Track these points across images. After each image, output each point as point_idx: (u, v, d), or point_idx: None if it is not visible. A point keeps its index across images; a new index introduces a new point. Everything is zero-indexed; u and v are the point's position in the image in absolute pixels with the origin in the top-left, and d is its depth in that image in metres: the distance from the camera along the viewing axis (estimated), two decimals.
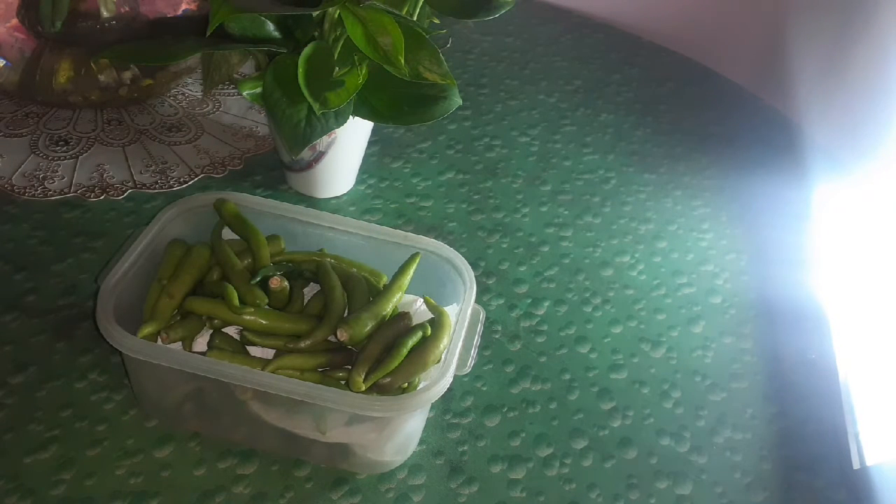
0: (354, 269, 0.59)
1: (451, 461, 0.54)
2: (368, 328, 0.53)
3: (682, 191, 0.83)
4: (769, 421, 0.61)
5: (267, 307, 0.54)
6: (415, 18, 0.64)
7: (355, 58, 0.62)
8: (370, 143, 0.75)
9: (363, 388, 0.50)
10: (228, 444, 0.53)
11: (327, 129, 0.62)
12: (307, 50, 0.59)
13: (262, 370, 0.50)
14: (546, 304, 0.67)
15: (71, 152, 0.75)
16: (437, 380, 0.49)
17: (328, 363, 0.53)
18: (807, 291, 0.72)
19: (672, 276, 0.72)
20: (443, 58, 0.60)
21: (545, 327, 0.65)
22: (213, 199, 0.59)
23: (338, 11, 0.59)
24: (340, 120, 0.62)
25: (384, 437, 0.51)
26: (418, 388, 0.52)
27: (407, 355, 0.52)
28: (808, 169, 0.87)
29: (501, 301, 0.67)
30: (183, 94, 0.85)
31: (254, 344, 0.53)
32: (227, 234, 0.59)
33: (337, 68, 0.61)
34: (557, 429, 0.58)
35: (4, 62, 0.78)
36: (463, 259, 0.58)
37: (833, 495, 0.56)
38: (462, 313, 0.54)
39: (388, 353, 0.52)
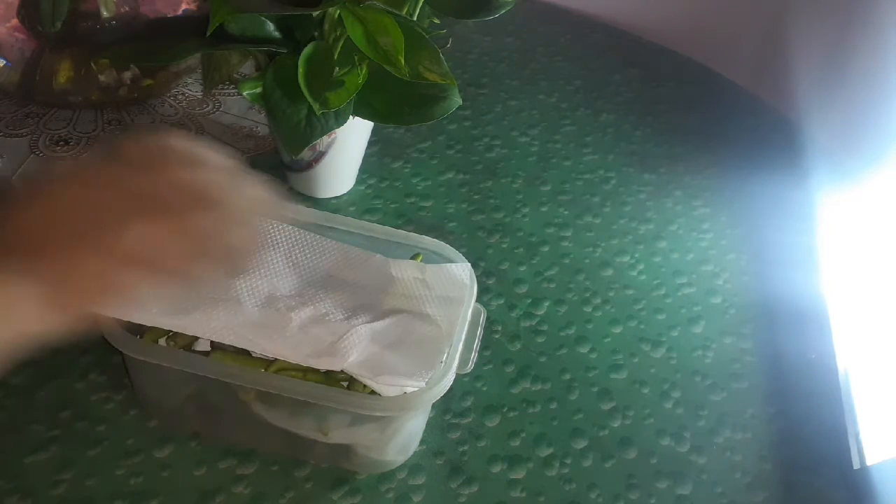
0: None
1: (451, 461, 0.54)
2: None
3: (682, 191, 0.83)
4: (769, 421, 0.61)
5: None
6: (415, 18, 0.64)
7: (355, 58, 0.62)
8: (370, 143, 0.75)
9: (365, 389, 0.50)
10: (228, 444, 0.53)
11: (327, 129, 0.62)
12: (307, 50, 0.59)
13: (264, 371, 0.50)
14: (546, 304, 0.67)
15: (71, 152, 0.75)
16: (438, 380, 0.49)
17: None
18: (807, 291, 0.72)
19: (672, 276, 0.72)
20: (443, 58, 0.60)
21: (545, 327, 0.65)
22: None
23: (338, 11, 0.59)
24: (340, 120, 0.62)
25: (386, 437, 0.51)
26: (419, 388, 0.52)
27: None
28: (808, 169, 0.87)
29: (501, 301, 0.67)
30: (183, 94, 0.85)
31: None
32: None
33: (337, 68, 0.61)
34: (557, 429, 0.58)
35: (4, 62, 0.78)
36: (463, 259, 0.58)
37: (833, 495, 0.56)
38: (462, 313, 0.54)
39: None
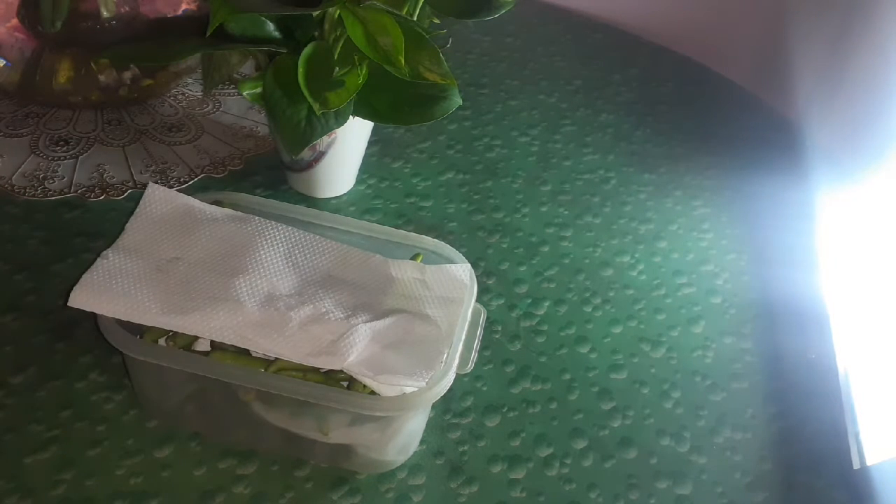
0: None
1: (451, 461, 0.54)
2: None
3: (682, 191, 0.83)
4: (769, 421, 0.61)
5: None
6: (415, 18, 0.64)
7: (355, 58, 0.62)
8: (370, 143, 0.75)
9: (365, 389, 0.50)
10: (228, 444, 0.53)
11: (327, 129, 0.62)
12: (307, 50, 0.59)
13: (264, 371, 0.50)
14: (546, 304, 0.67)
15: (71, 152, 0.75)
16: (438, 380, 0.49)
17: None
18: (807, 291, 0.72)
19: (672, 276, 0.72)
20: (443, 58, 0.60)
21: (545, 327, 0.65)
22: (213, 200, 0.59)
23: (338, 11, 0.59)
24: (340, 120, 0.62)
25: (387, 437, 0.51)
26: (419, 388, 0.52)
27: None
28: (809, 169, 0.87)
29: (501, 301, 0.67)
30: (183, 94, 0.85)
31: None
32: None
33: (337, 68, 0.61)
34: (557, 429, 0.58)
35: (4, 62, 0.78)
36: (463, 258, 0.58)
37: (833, 495, 0.56)
38: (462, 313, 0.54)
39: None
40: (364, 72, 0.62)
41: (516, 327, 0.65)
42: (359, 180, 0.77)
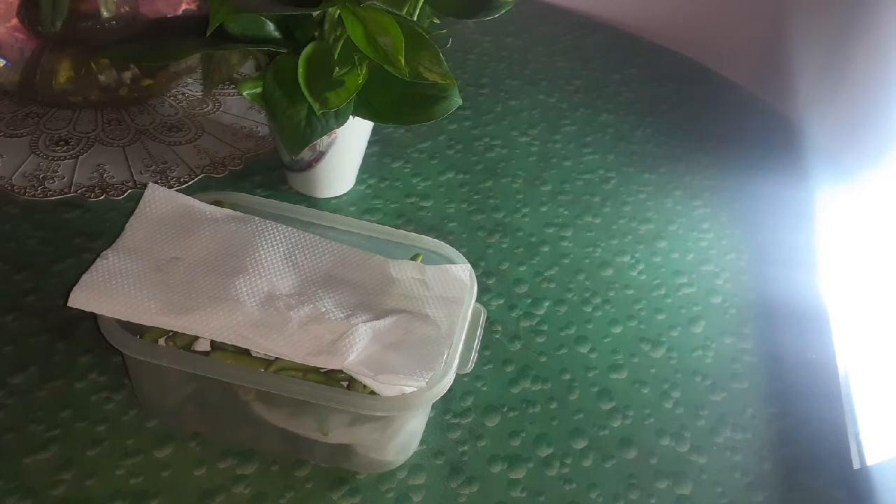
0: None
1: (451, 461, 0.54)
2: None
3: (682, 191, 0.83)
4: (769, 421, 0.61)
5: None
6: (415, 18, 0.64)
7: (355, 58, 0.62)
8: (370, 143, 0.75)
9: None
10: (228, 444, 0.53)
11: (327, 129, 0.62)
12: (307, 50, 0.59)
13: (264, 371, 0.50)
14: (546, 304, 0.67)
15: (71, 152, 0.75)
16: (438, 380, 0.49)
17: None
18: (807, 291, 0.72)
19: (672, 276, 0.72)
20: (443, 58, 0.60)
21: (545, 327, 0.65)
22: (213, 200, 0.59)
23: (338, 11, 0.59)
24: (340, 120, 0.62)
25: (387, 437, 0.51)
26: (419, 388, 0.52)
27: None
28: (809, 169, 0.87)
29: (501, 301, 0.67)
30: (183, 94, 0.85)
31: None
32: None
33: (337, 68, 0.61)
34: (557, 429, 0.58)
35: (4, 62, 0.78)
36: (463, 258, 0.58)
37: (833, 495, 0.56)
38: (462, 313, 0.54)
39: None
40: (364, 72, 0.62)
41: (516, 327, 0.65)
42: (359, 180, 0.77)
